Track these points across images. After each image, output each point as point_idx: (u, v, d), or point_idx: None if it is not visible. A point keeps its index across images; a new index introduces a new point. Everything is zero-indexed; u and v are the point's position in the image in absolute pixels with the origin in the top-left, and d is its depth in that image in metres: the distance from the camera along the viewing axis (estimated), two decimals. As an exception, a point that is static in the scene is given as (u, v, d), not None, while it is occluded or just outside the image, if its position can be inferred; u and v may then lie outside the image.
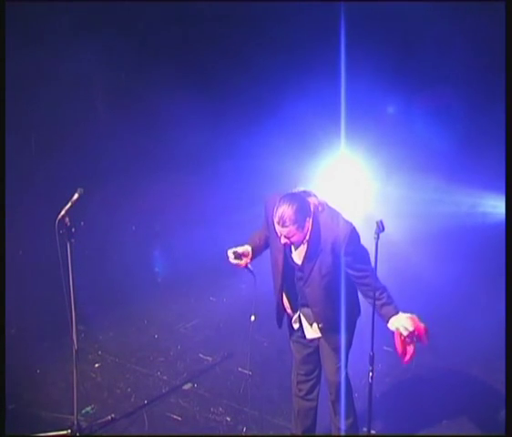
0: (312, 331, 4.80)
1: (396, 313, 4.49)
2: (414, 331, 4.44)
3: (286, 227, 4.38)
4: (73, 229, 5.07)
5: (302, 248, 4.56)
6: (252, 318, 4.71)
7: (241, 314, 6.67)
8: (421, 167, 7.76)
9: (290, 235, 4.42)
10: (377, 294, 4.46)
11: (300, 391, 5.03)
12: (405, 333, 4.44)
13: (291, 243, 4.51)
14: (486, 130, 7.53)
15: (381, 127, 7.69)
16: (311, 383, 4.98)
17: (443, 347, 6.54)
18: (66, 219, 5.04)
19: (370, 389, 4.61)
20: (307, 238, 4.50)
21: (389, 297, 4.51)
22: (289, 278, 4.69)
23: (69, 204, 5.07)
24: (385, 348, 6.43)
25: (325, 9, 7.74)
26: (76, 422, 5.40)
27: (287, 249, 4.61)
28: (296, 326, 4.84)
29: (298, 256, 4.61)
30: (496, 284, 6.32)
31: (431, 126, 7.84)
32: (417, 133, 7.87)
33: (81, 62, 7.97)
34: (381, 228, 4.36)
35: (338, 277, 4.55)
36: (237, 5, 8.05)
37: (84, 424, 5.49)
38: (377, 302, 4.46)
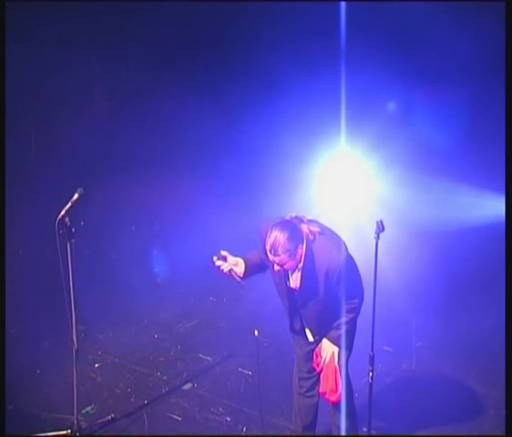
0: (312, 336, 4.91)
1: (332, 343, 4.71)
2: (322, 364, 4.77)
3: (278, 255, 4.45)
4: (73, 229, 5.07)
5: (297, 275, 4.64)
6: (256, 332, 4.80)
7: (241, 314, 6.71)
8: (422, 163, 7.73)
9: (282, 263, 4.49)
10: (340, 321, 4.65)
11: (301, 387, 5.07)
12: (323, 357, 4.75)
13: (285, 270, 4.59)
14: (489, 127, 7.50)
15: (382, 123, 7.68)
16: (312, 381, 5.01)
17: (443, 347, 6.55)
18: (66, 219, 5.04)
19: (370, 389, 4.62)
20: (301, 265, 4.57)
21: (342, 332, 4.69)
22: (289, 297, 4.78)
23: (69, 204, 5.07)
24: (385, 348, 6.45)
25: (325, 5, 7.72)
26: (76, 422, 5.40)
27: (285, 275, 4.68)
28: (297, 327, 4.90)
29: (294, 282, 4.69)
30: (496, 284, 6.31)
31: (433, 121, 7.82)
32: (419, 129, 7.85)
33: (83, 62, 7.96)
34: (381, 227, 4.37)
35: (332, 303, 4.64)
36: (237, 5, 8.05)
37: (84, 424, 5.49)
38: (335, 324, 4.67)
